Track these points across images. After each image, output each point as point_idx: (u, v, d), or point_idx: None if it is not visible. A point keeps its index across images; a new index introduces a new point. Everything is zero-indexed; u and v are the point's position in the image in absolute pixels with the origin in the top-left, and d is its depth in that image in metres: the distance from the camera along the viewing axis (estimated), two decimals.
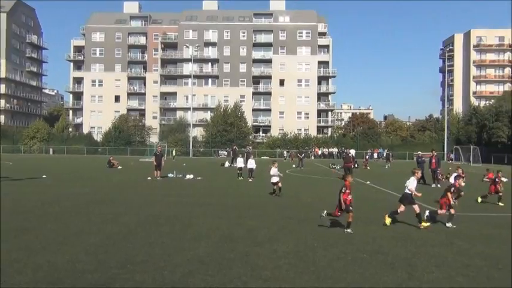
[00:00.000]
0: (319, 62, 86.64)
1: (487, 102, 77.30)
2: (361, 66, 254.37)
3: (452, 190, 11.60)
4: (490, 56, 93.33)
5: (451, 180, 13.81)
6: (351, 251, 8.28)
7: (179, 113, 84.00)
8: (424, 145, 68.85)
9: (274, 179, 16.80)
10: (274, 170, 16.89)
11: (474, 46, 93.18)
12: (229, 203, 14.93)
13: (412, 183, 11.02)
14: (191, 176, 25.46)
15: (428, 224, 10.72)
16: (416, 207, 10.79)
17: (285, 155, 62.75)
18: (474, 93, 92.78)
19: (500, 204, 15.50)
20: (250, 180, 23.98)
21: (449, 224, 10.93)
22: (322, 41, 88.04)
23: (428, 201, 14.33)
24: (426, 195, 16.01)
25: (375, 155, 66.86)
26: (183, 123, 78.73)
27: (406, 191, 11.03)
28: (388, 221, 10.84)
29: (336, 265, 7.31)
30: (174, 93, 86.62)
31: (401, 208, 10.95)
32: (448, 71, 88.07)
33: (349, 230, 9.84)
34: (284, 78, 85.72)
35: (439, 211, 11.42)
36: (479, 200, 16.10)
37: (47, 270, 6.68)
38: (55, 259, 7.29)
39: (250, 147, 60.43)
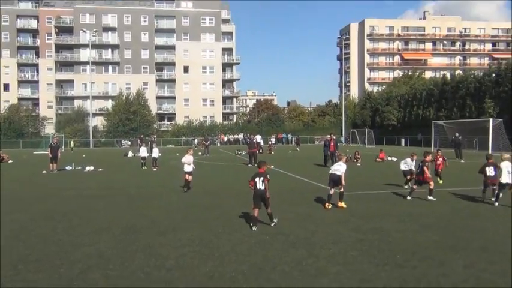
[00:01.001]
0: (223, 49, 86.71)
1: (379, 88, 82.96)
2: (264, 54, 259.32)
3: (427, 165, 12.54)
4: (382, 45, 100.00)
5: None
6: (254, 234, 8.48)
7: (77, 102, 79.36)
8: (324, 129, 72.30)
9: (187, 168, 15.07)
10: (188, 158, 15.14)
11: (368, 35, 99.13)
12: (132, 193, 14.51)
13: (343, 167, 11.50)
14: (91, 168, 24.30)
15: (344, 205, 11.27)
16: (341, 188, 11.39)
17: (196, 142, 62.09)
18: (368, 79, 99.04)
19: (440, 181, 16.07)
20: (154, 169, 23.50)
21: (430, 197, 12.27)
22: (225, 28, 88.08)
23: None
24: (325, 176, 16.82)
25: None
26: (81, 112, 74.53)
27: (337, 173, 11.40)
28: (327, 205, 11.31)
29: (239, 249, 7.45)
30: (71, 81, 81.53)
31: (331, 191, 11.43)
32: (345, 58, 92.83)
33: (275, 221, 9.14)
34: (188, 65, 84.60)
35: (414, 186, 12.69)
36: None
37: None
38: None
39: (155, 136, 59.10)
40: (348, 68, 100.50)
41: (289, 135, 72.70)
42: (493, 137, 35.07)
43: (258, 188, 8.86)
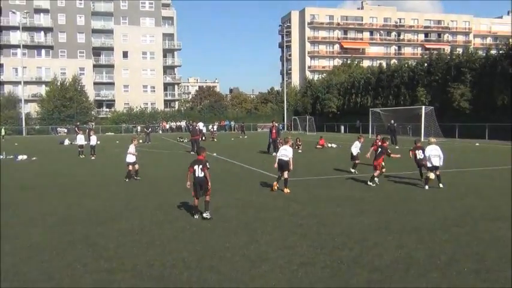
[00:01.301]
0: (164, 34, 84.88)
1: (320, 75, 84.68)
2: (206, 41, 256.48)
3: (384, 152, 13.06)
4: (322, 33, 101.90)
5: None
6: (196, 222, 8.45)
7: (8, 88, 74.82)
8: (267, 116, 73.06)
9: (130, 158, 14.45)
10: (131, 148, 14.56)
11: (308, 23, 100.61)
12: (68, 183, 13.96)
13: (290, 151, 11.85)
14: (24, 157, 23.11)
15: (288, 190, 11.48)
16: (286, 174, 11.61)
17: (139, 130, 60.28)
18: (309, 67, 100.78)
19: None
20: (92, 158, 22.75)
21: (373, 182, 12.66)
22: (166, 13, 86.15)
23: (269, 169, 15.22)
24: (268, 163, 17.11)
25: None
26: (12, 98, 70.41)
27: (284, 158, 11.61)
28: (275, 186, 11.76)
29: (181, 237, 7.40)
30: (0, 65, 76.70)
31: (286, 175, 11.63)
32: (286, 46, 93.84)
33: (208, 214, 8.62)
34: (127, 50, 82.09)
35: (375, 173, 12.84)
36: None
37: None
38: None
39: (93, 124, 57.12)
40: (290, 55, 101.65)
41: (232, 123, 72.76)
42: (425, 124, 36.98)
43: (197, 175, 8.66)
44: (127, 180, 14.20)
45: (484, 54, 41.41)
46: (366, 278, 5.37)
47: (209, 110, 78.07)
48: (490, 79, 37.54)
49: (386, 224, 8.06)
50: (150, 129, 40.98)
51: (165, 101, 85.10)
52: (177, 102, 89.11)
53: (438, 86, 42.85)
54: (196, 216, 8.69)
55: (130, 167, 14.41)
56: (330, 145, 30.22)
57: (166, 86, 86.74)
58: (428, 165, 12.11)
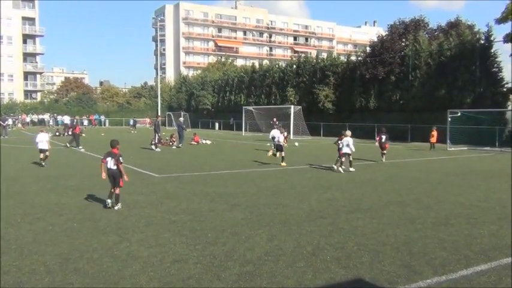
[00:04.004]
0: (24, 18, 77.30)
1: (195, 72, 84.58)
2: (73, 28, 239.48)
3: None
4: (197, 30, 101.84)
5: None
6: (59, 222, 7.85)
7: None
8: (140, 111, 70.91)
9: (43, 145, 15.98)
10: (43, 136, 16.24)
11: (183, 19, 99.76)
12: None
13: (281, 137, 17.91)
14: None
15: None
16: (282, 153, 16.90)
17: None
18: (184, 63, 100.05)
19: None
20: None
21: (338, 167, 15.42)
22: None
23: (140, 165, 14.77)
24: (144, 159, 16.64)
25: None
26: None
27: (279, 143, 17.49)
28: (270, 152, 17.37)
29: (42, 239, 6.80)
30: None
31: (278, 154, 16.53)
32: (161, 40, 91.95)
33: (119, 206, 9.01)
34: None
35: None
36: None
37: None
38: None
39: None
40: (164, 50, 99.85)
41: (102, 117, 69.21)
42: (294, 122, 39.14)
43: (109, 167, 8.99)
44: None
45: (345, 60, 45.20)
46: (238, 271, 5.48)
47: (77, 102, 73.06)
48: (350, 83, 41.08)
49: (258, 218, 8.33)
50: (6, 122, 37.04)
51: (25, 91, 77.68)
52: (39, 93, 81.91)
53: (305, 87, 45.64)
54: (108, 204, 8.98)
55: (42, 155, 15.96)
56: (204, 141, 30.39)
57: (27, 75, 79.22)
58: (344, 151, 15.49)
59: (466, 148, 27.72)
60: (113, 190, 9.07)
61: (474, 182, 13.54)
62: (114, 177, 8.98)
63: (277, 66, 53.88)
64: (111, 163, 8.99)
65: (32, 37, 79.70)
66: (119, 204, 9.01)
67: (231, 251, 6.30)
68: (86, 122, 62.91)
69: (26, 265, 5.64)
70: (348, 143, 15.45)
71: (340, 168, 15.37)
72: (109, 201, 9.00)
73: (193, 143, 29.34)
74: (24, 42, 78.09)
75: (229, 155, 22.24)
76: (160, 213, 8.70)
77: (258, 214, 8.68)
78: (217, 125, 59.02)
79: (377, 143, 19.99)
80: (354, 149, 15.70)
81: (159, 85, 71.85)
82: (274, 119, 34.86)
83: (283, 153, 17.27)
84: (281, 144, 17.57)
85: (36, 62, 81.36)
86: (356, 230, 7.57)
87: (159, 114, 48.82)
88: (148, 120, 66.22)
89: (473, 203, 9.99)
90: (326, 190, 11.66)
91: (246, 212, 8.82)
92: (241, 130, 47.34)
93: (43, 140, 16.03)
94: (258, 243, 6.69)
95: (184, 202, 9.79)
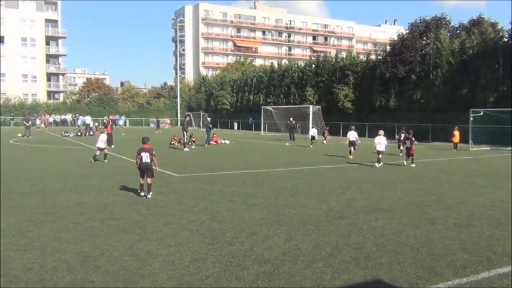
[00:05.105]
0: (47, 20, 78.84)
1: (214, 72, 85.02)
2: (95, 30, 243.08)
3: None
4: (216, 30, 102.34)
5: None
6: (81, 221, 7.98)
7: None
8: (160, 111, 71.53)
9: (100, 144, 17.59)
10: (103, 136, 18.01)
11: (202, 19, 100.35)
12: None
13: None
14: None
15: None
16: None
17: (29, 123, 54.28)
18: (203, 63, 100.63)
19: None
20: None
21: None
22: None
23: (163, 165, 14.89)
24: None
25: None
26: None
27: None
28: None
29: (64, 237, 6.93)
30: None
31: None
32: (180, 41, 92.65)
33: (151, 194, 10.25)
34: (4, 35, 74.81)
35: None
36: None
37: None
38: None
39: None
40: (183, 50, 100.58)
41: (123, 117, 70.09)
42: (313, 122, 38.98)
43: (144, 161, 10.08)
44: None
45: (365, 59, 44.81)
46: (256, 271, 5.49)
47: (98, 103, 74.18)
48: (369, 82, 40.73)
49: (276, 218, 8.33)
50: (30, 122, 37.82)
51: (48, 92, 79.19)
52: (62, 94, 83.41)
53: (325, 87, 45.41)
54: (142, 194, 10.20)
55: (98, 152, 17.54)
56: (223, 141, 30.53)
57: (50, 76, 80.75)
58: (378, 149, 16.94)
59: (488, 148, 27.21)
60: (142, 182, 10.16)
61: (497, 182, 13.29)
62: (148, 168, 10.06)
63: (296, 65, 53.72)
64: (145, 157, 10.05)
65: (55, 39, 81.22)
66: (151, 192, 10.12)
67: (249, 251, 6.31)
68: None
69: (49, 262, 5.75)
70: (380, 141, 17.14)
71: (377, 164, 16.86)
72: (142, 193, 10.21)
73: (212, 142, 29.48)
74: (47, 44, 79.65)
75: (248, 155, 22.29)
76: (179, 212, 8.77)
77: (276, 214, 8.68)
78: (236, 125, 59.16)
79: (402, 147, 20.61)
80: (382, 149, 17.10)
81: (178, 85, 72.51)
82: (291, 119, 34.71)
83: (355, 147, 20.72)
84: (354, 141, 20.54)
85: (59, 64, 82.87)
86: (375, 230, 7.51)
87: (188, 113, 48.99)
88: (168, 120, 66.78)
89: (495, 204, 9.81)
90: (345, 190, 11.58)
91: (265, 212, 8.83)
92: (260, 130, 47.35)
93: (103, 140, 17.76)
94: (276, 243, 6.69)
95: (203, 202, 9.85)
